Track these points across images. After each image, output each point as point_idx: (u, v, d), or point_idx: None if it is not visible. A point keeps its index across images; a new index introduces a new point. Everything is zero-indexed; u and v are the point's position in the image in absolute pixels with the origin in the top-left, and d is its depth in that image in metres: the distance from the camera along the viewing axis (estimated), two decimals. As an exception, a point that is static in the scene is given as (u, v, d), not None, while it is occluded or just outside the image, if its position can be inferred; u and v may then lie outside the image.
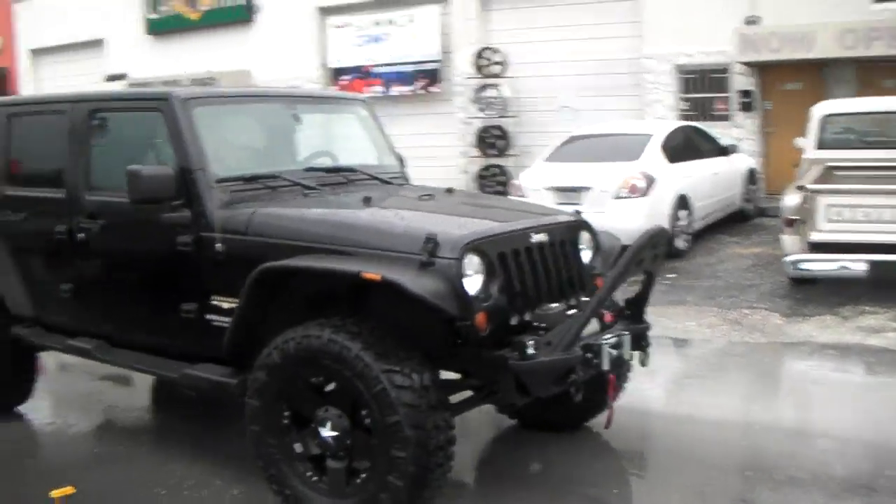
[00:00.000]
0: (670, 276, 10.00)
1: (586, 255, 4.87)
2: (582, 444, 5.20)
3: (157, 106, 4.85)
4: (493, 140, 17.88)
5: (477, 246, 4.13)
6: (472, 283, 4.07)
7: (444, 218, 4.57)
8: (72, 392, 6.83)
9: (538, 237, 4.50)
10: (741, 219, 13.51)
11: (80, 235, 5.16)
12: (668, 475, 4.84)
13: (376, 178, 5.48)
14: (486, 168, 17.63)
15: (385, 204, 4.87)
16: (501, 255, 4.26)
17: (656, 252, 4.41)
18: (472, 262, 4.08)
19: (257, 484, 4.42)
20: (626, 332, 4.47)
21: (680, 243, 11.04)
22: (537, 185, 11.22)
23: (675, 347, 7.63)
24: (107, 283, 5.25)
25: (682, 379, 6.86)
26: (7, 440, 5.71)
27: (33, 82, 26.20)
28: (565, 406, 5.11)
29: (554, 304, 4.43)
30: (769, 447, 5.12)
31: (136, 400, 6.67)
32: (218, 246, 4.53)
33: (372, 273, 3.91)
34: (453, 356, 4.34)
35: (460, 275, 3.99)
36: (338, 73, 20.40)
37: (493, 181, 17.30)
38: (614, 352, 4.33)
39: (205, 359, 4.69)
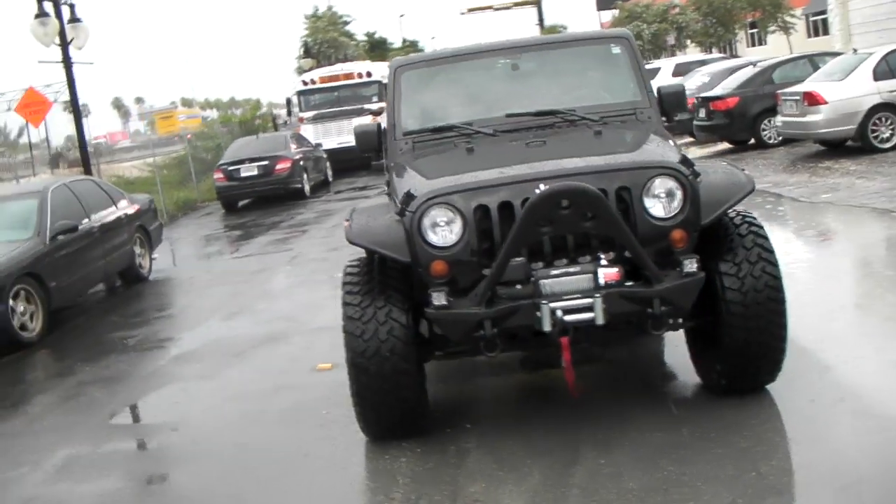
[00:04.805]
0: None
1: (656, 205, 4.31)
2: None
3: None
4: None
5: (447, 200, 4.31)
6: (437, 233, 4.30)
7: (459, 174, 4.60)
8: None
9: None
10: None
11: None
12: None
13: (585, 119, 5.31)
14: None
15: (481, 153, 5.02)
16: (481, 207, 4.29)
17: (570, 212, 4.10)
18: (438, 215, 4.31)
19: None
20: (599, 296, 4.12)
21: None
22: None
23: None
24: None
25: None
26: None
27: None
28: (736, 371, 4.72)
29: (518, 259, 4.25)
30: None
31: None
32: (386, 188, 5.54)
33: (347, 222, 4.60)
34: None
35: (418, 225, 4.29)
36: None
37: None
38: (564, 315, 4.12)
39: None
